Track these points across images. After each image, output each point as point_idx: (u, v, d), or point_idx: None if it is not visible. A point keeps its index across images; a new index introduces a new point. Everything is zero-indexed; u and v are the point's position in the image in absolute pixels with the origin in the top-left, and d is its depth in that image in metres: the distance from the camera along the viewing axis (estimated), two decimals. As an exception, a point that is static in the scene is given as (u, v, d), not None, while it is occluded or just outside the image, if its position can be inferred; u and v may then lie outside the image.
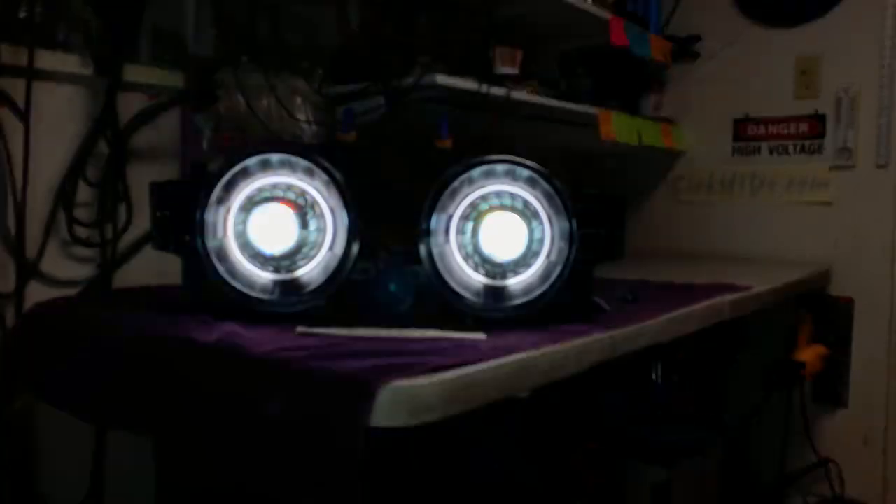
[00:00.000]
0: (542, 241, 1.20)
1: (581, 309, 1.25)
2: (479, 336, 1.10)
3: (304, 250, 1.17)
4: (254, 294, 1.16)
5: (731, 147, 2.72)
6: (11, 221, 1.30)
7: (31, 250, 1.34)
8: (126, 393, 1.11)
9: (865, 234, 2.45)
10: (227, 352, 0.97)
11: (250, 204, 1.17)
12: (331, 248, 1.19)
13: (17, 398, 1.31)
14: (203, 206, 1.15)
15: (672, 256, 2.75)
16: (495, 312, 1.18)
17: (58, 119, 1.38)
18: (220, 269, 1.16)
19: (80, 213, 1.41)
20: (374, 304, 1.18)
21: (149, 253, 1.52)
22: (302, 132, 1.78)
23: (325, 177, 1.16)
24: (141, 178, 1.49)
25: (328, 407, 0.85)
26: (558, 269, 1.19)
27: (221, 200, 1.16)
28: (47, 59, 1.33)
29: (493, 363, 0.97)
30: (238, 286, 1.16)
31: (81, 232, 1.40)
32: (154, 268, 1.53)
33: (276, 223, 1.14)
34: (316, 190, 1.18)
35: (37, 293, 1.36)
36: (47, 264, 1.37)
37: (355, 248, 1.16)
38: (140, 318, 1.16)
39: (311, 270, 1.19)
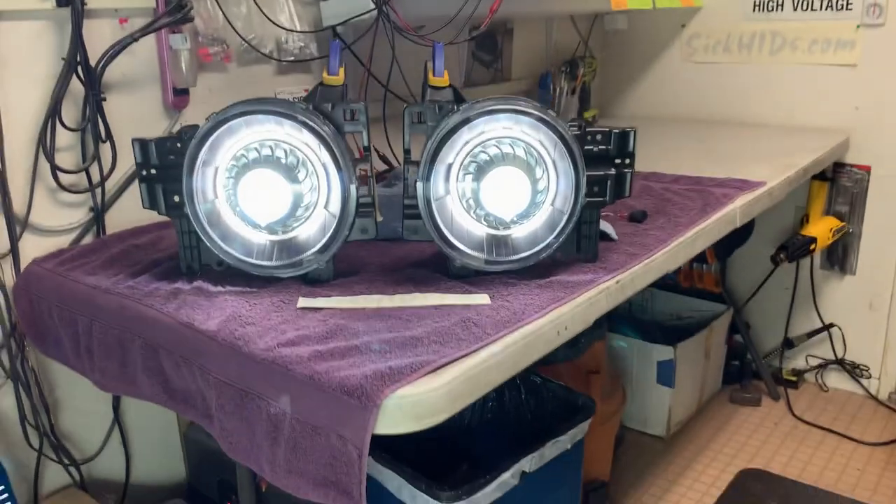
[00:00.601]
0: (546, 188, 1.15)
1: (587, 251, 1.21)
2: (483, 300, 1.08)
3: (300, 212, 1.12)
4: (252, 260, 1.13)
5: (753, 1, 2.53)
6: (-7, 176, 1.24)
7: (18, 204, 1.30)
8: (128, 370, 1.12)
9: (890, 98, 2.33)
10: (229, 347, 0.96)
11: (238, 167, 1.10)
12: (326, 205, 1.14)
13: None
14: (189, 170, 1.09)
15: (684, 121, 2.65)
16: (498, 266, 1.15)
17: (25, 61, 1.28)
18: (214, 235, 1.12)
19: (64, 158, 1.35)
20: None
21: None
22: (286, 41, 1.66)
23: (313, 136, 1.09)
24: (121, 111, 1.42)
25: (333, 416, 0.85)
26: (564, 217, 1.14)
27: (208, 162, 1.10)
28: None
29: (497, 348, 0.95)
30: (234, 252, 1.12)
31: (67, 179, 1.35)
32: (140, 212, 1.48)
33: (264, 193, 1.08)
34: (306, 145, 1.11)
35: (31, 245, 1.33)
36: (37, 215, 1.33)
37: (352, 206, 1.11)
38: (137, 291, 1.13)
39: (308, 230, 1.15)
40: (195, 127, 1.14)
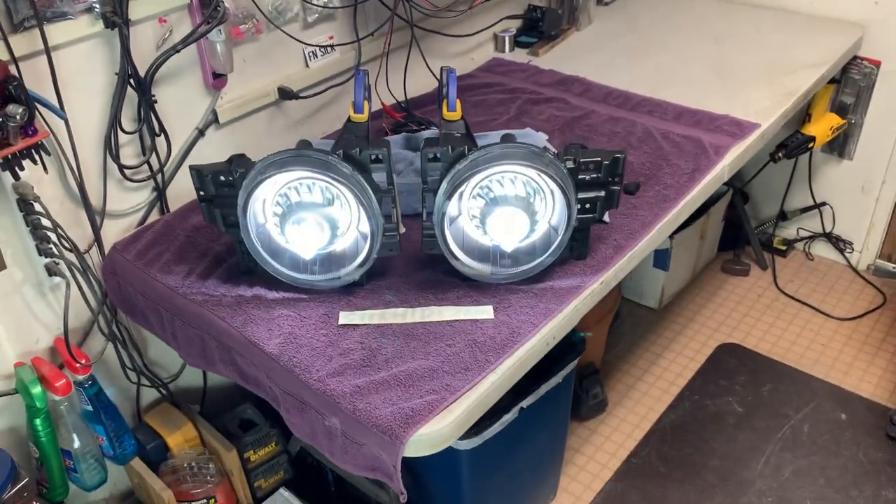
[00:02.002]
0: (543, 211, 1.35)
1: (579, 253, 1.43)
2: (488, 314, 1.34)
3: (338, 231, 1.34)
4: (298, 276, 1.37)
5: None
6: (73, 182, 1.46)
7: (95, 199, 1.52)
8: (207, 355, 1.42)
9: (909, -5, 2.33)
10: (288, 371, 1.24)
11: (284, 205, 1.31)
12: (357, 226, 1.36)
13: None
14: (243, 211, 1.30)
15: None
16: (501, 279, 1.38)
17: (84, 78, 1.43)
18: (266, 256, 1.35)
19: (127, 152, 1.55)
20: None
21: (192, 162, 1.67)
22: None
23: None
24: (168, 97, 1.57)
25: (373, 441, 1.15)
26: (558, 238, 1.36)
27: (257, 196, 1.30)
28: (58, 33, 1.35)
29: (496, 376, 1.22)
30: (284, 269, 1.37)
31: (131, 173, 1.55)
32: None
33: (308, 232, 1.30)
34: (338, 182, 1.30)
35: (110, 227, 1.58)
36: (112, 204, 1.55)
37: (380, 234, 1.32)
38: (208, 298, 1.39)
39: (344, 244, 1.38)
40: (242, 158, 1.34)
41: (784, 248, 2.88)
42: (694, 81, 2.15)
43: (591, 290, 1.41)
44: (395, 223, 1.35)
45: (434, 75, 2.05)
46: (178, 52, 1.46)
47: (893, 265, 2.75)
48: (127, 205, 1.60)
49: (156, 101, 1.52)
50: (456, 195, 1.30)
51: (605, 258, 1.47)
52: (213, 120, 1.68)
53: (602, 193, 1.36)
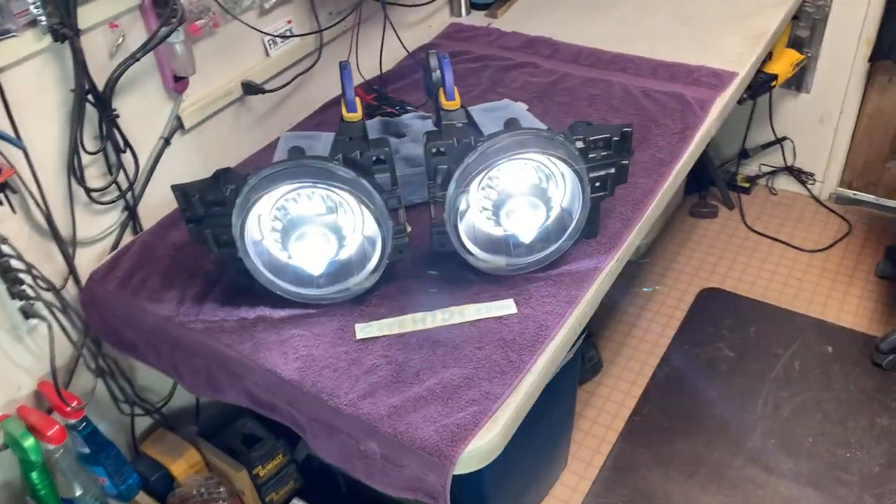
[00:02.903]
0: (556, 193, 1.29)
1: (589, 232, 1.38)
2: (510, 308, 1.28)
3: (344, 239, 1.26)
4: (305, 291, 1.29)
5: None
6: (39, 215, 1.33)
7: (64, 228, 1.39)
8: (214, 384, 1.33)
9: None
10: (314, 397, 1.17)
11: (284, 219, 1.22)
12: (363, 230, 1.28)
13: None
14: (241, 235, 1.20)
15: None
16: (517, 270, 1.33)
17: (37, 98, 1.28)
18: (267, 273, 1.26)
19: (92, 173, 1.41)
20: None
21: (161, 174, 1.55)
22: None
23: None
24: (129, 110, 1.44)
25: (417, 462, 1.10)
26: (573, 221, 1.30)
27: (250, 205, 1.20)
28: (2, 53, 1.21)
29: (533, 377, 1.18)
30: (288, 286, 1.28)
31: (99, 195, 1.42)
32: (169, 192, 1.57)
33: (314, 247, 1.21)
34: (342, 191, 1.21)
35: (83, 255, 1.45)
36: (82, 230, 1.42)
37: (389, 237, 1.24)
38: (209, 326, 1.30)
39: (348, 252, 1.30)
40: (229, 172, 1.23)
41: (748, 185, 2.90)
42: (660, 32, 2.10)
43: (609, 269, 1.36)
44: (402, 224, 1.27)
45: (406, 50, 1.95)
46: (138, 60, 1.33)
47: (854, 192, 2.80)
48: (98, 229, 1.47)
49: (118, 116, 1.38)
50: (468, 189, 1.23)
51: (615, 234, 1.42)
52: (178, 126, 1.56)
53: (612, 170, 1.31)
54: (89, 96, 1.33)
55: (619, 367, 2.30)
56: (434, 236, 1.30)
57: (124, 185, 1.47)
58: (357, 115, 1.26)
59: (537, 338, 1.23)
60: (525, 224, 1.26)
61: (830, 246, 2.64)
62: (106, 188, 1.43)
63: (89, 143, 1.38)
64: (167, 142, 1.54)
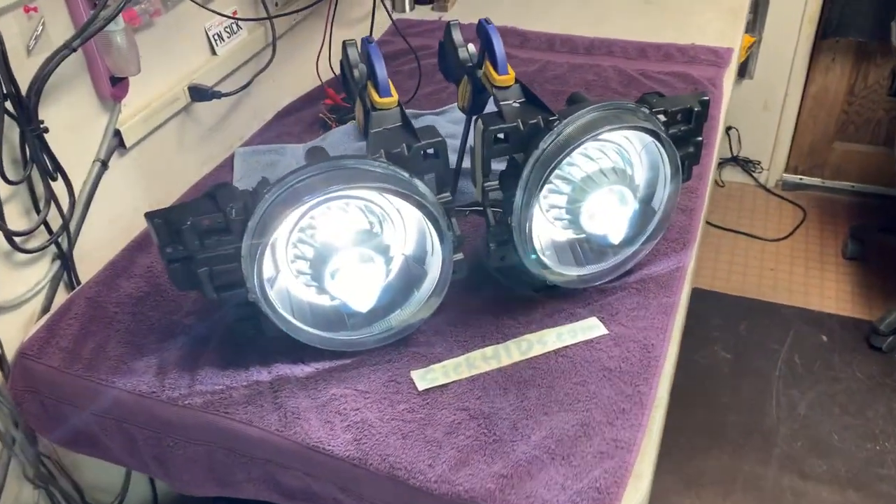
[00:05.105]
0: (640, 179, 1.06)
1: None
2: (598, 329, 1.03)
3: (389, 261, 0.96)
4: (337, 336, 0.98)
5: None
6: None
7: (-22, 289, 1.01)
8: (220, 476, 0.99)
9: None
10: (387, 477, 0.86)
11: (312, 241, 0.91)
12: (403, 251, 0.99)
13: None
14: (258, 257, 0.88)
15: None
16: (593, 282, 1.08)
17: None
18: (295, 321, 0.94)
19: (12, 210, 1.04)
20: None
21: (99, 208, 1.19)
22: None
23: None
24: (54, 124, 1.08)
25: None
26: (657, 217, 1.07)
27: (273, 227, 0.88)
28: None
29: (661, 412, 0.93)
30: (319, 332, 0.96)
31: (23, 240, 1.05)
32: (109, 230, 1.22)
33: (362, 282, 0.91)
34: (401, 197, 0.91)
35: (5, 325, 1.06)
36: (2, 291, 1.05)
37: (449, 250, 0.95)
38: (211, 399, 0.96)
39: (391, 279, 1.00)
40: (227, 188, 0.92)
41: (695, 179, 2.79)
42: (627, 13, 1.94)
43: (691, 269, 1.14)
44: (460, 235, 0.99)
45: (396, 28, 1.67)
46: (74, 50, 0.98)
47: (800, 177, 2.76)
48: (23, 287, 1.09)
49: (46, 130, 1.02)
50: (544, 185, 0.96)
51: (682, 227, 1.21)
52: (118, 144, 1.20)
53: (691, 149, 1.09)
54: (7, 103, 0.96)
55: (615, 384, 2.08)
56: (492, 248, 1.02)
57: (55, 226, 1.10)
58: (393, 100, 0.97)
59: (647, 361, 0.98)
60: (614, 222, 1.01)
61: (791, 233, 2.57)
62: (33, 230, 1.05)
63: (10, 170, 1.00)
64: (104, 164, 1.18)
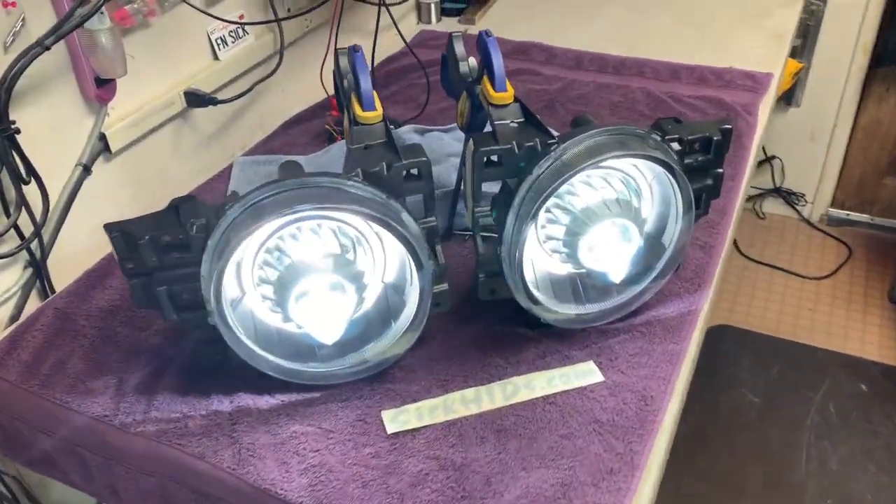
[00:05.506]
0: (648, 212, 0.96)
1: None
2: (593, 375, 0.93)
3: (362, 290, 0.88)
4: (305, 368, 0.90)
5: None
6: None
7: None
8: (180, 507, 0.91)
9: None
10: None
11: (279, 267, 0.83)
12: (382, 277, 0.91)
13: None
14: (217, 277, 0.80)
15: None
16: (592, 322, 0.98)
17: None
18: (255, 348, 0.87)
19: (-22, 214, 0.99)
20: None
21: (79, 214, 1.14)
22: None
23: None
24: (31, 125, 1.03)
25: None
26: (667, 253, 0.97)
27: (232, 247, 0.81)
28: None
29: (655, 473, 0.83)
30: (283, 363, 0.89)
31: (-7, 244, 1.00)
32: (90, 238, 1.16)
33: (329, 310, 0.83)
34: (374, 221, 0.84)
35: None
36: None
37: (428, 280, 0.87)
38: (166, 428, 0.88)
39: (367, 309, 0.92)
40: (192, 202, 0.85)
41: (734, 209, 2.66)
42: (664, 34, 1.83)
43: (704, 314, 1.04)
44: (443, 264, 0.90)
45: (404, 40, 1.61)
46: (47, 48, 0.93)
47: (846, 212, 2.61)
48: (-5, 297, 1.04)
49: (17, 132, 0.97)
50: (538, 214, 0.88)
51: (699, 266, 1.11)
52: (103, 148, 1.15)
53: (709, 181, 0.99)
54: (-27, 103, 0.91)
55: (634, 423, 1.97)
56: (481, 280, 0.94)
57: (27, 231, 1.05)
58: (377, 114, 0.89)
59: (644, 415, 0.88)
60: (615, 258, 0.91)
61: (835, 272, 2.42)
62: (1, 235, 1.00)
63: (-25, 171, 0.96)
64: (87, 169, 1.12)
